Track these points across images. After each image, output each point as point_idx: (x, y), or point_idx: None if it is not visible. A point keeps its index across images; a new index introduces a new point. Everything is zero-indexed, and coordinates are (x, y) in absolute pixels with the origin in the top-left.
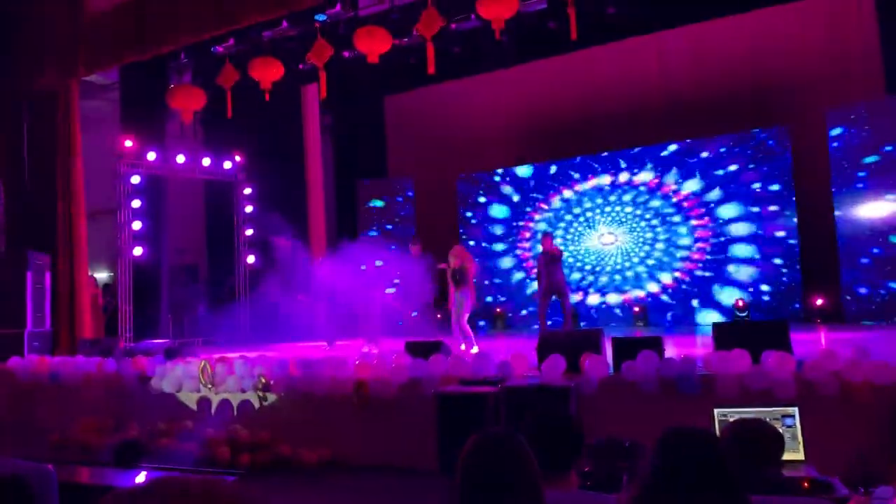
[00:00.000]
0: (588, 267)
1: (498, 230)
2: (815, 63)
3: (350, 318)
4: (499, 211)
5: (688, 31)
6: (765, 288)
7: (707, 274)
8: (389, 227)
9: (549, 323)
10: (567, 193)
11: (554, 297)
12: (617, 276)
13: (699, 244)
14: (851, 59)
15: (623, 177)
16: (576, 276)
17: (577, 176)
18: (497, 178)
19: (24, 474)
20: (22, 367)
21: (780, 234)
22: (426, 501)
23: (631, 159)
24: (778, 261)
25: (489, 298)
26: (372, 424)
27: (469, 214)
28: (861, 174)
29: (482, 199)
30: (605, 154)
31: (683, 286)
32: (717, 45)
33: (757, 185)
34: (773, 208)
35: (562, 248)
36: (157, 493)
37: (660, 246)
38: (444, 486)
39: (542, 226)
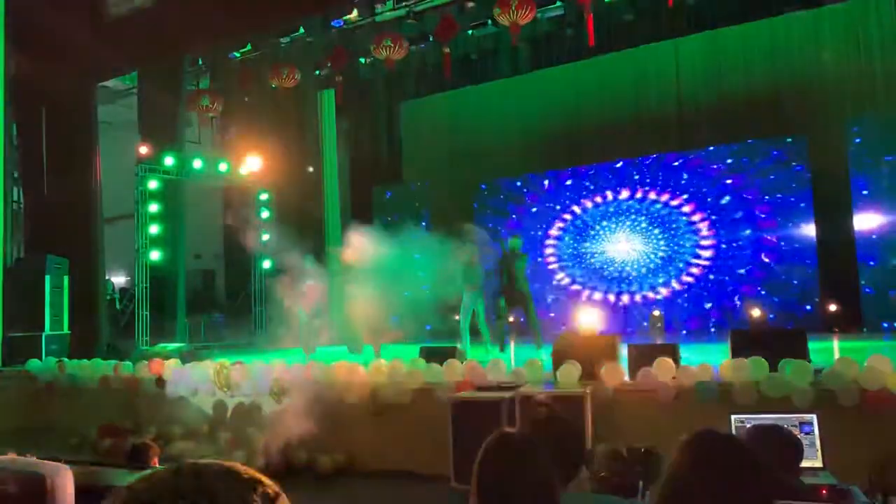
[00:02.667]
0: (606, 273)
1: (513, 237)
2: (834, 72)
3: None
4: (514, 217)
5: (705, 38)
6: (782, 296)
7: (725, 278)
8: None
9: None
10: (584, 201)
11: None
12: (634, 284)
13: (716, 252)
14: (871, 68)
15: (639, 184)
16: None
17: (592, 186)
18: (513, 185)
19: (41, 474)
20: (40, 369)
21: (798, 242)
22: None
23: (647, 167)
24: (796, 270)
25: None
26: (387, 430)
27: (485, 221)
28: (881, 183)
29: (498, 206)
30: (621, 162)
31: (700, 293)
32: (736, 53)
33: (775, 194)
34: (791, 216)
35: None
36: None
37: (676, 253)
38: (458, 491)
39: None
